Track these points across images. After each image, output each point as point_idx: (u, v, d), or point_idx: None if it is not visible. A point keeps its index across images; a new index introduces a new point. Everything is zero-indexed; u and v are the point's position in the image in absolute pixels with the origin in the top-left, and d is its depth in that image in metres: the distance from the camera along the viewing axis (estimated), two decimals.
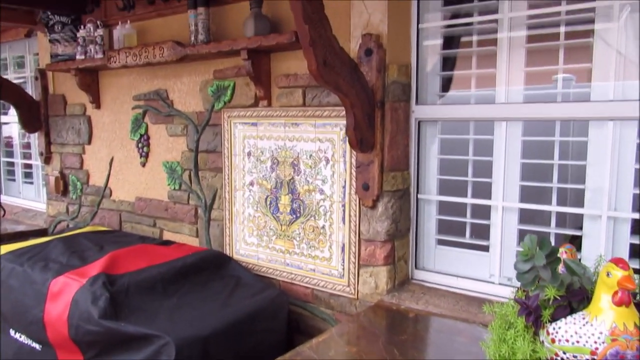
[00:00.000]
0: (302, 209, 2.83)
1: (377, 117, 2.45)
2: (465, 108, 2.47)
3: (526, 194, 2.39)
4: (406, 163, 2.59)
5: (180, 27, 3.27)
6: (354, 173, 2.59)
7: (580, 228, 2.24)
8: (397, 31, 2.47)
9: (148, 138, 3.63)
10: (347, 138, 2.48)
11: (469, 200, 2.53)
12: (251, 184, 3.05)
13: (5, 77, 4.64)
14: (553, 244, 2.24)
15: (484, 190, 2.48)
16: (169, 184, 3.52)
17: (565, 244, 1.87)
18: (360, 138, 2.38)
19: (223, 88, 3.12)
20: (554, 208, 2.30)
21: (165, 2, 3.24)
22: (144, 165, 3.69)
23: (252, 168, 3.03)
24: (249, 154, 3.04)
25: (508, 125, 2.36)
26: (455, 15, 2.50)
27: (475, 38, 2.44)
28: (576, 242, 2.28)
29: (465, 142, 2.53)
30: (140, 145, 3.67)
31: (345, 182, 2.65)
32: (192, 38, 3.03)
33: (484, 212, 2.49)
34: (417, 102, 2.57)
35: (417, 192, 2.65)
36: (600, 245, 2.15)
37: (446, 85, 2.61)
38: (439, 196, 2.61)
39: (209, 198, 3.29)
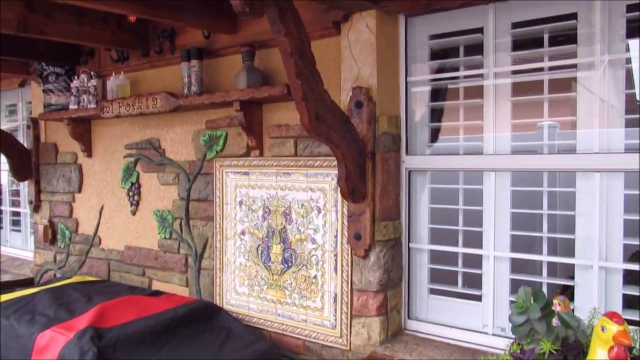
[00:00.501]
0: (293, 258, 2.82)
1: (368, 167, 2.48)
2: (454, 159, 2.51)
3: (517, 243, 2.40)
4: (397, 212, 2.60)
5: (174, 78, 3.34)
6: (345, 223, 2.59)
7: (572, 278, 2.25)
8: (386, 84, 2.54)
9: (139, 186, 3.62)
10: (338, 188, 2.51)
11: (460, 249, 2.53)
12: (242, 233, 3.04)
13: None
14: (545, 294, 2.25)
15: (475, 239, 2.50)
16: (159, 233, 3.49)
17: (559, 296, 1.88)
18: (352, 188, 2.40)
19: (215, 138, 3.15)
20: (544, 258, 2.31)
21: (158, 54, 3.31)
22: (134, 213, 3.67)
23: (244, 217, 3.03)
24: (240, 202, 3.05)
25: (497, 176, 2.40)
26: (442, 69, 2.58)
27: (462, 90, 2.51)
28: (568, 291, 2.28)
29: (455, 191, 2.57)
30: (131, 193, 3.66)
31: (337, 231, 2.65)
32: (185, 89, 3.08)
33: (475, 261, 2.49)
34: (407, 153, 2.62)
35: (409, 241, 2.65)
36: (593, 296, 2.16)
37: (435, 135, 2.66)
38: (430, 245, 2.61)
39: (200, 247, 3.27)
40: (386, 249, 2.53)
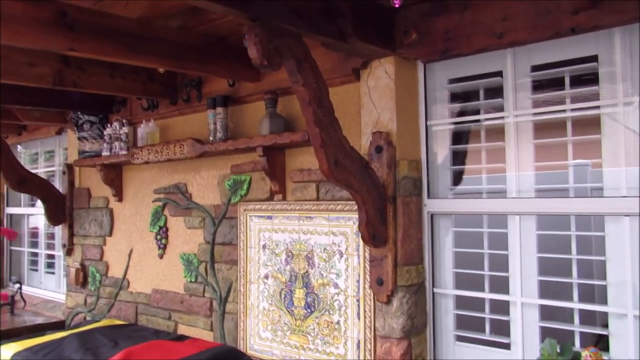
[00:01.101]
0: (316, 303, 2.79)
1: (389, 212, 2.47)
2: (477, 202, 2.48)
3: (546, 290, 2.32)
4: (420, 257, 2.56)
5: (200, 124, 3.44)
6: (367, 267, 2.57)
7: (607, 326, 2.15)
8: (406, 128, 2.55)
9: (167, 230, 3.69)
10: (359, 232, 2.50)
11: (486, 295, 2.46)
12: (266, 276, 3.04)
13: (35, 170, 4.87)
14: (578, 343, 2.15)
15: (502, 284, 2.43)
16: (185, 276, 3.53)
17: (590, 347, 1.80)
18: (373, 233, 2.38)
19: (240, 182, 3.21)
20: (576, 305, 2.22)
21: (186, 102, 3.43)
22: (161, 257, 3.72)
23: (267, 261, 3.04)
24: (264, 246, 3.06)
25: (521, 219, 2.35)
26: (462, 112, 2.58)
27: (483, 132, 2.50)
28: (603, 340, 2.18)
29: (480, 235, 2.52)
30: (159, 237, 3.73)
31: (359, 276, 2.62)
32: (211, 136, 3.17)
33: (503, 307, 2.42)
34: (429, 196, 2.60)
35: (433, 286, 2.60)
36: (628, 346, 2.05)
37: (457, 177, 2.64)
38: (455, 290, 2.55)
39: (224, 291, 3.28)
40: (409, 294, 2.48)
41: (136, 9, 2.44)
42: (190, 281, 3.49)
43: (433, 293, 2.60)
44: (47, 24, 2.11)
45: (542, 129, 2.36)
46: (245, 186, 3.17)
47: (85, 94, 3.77)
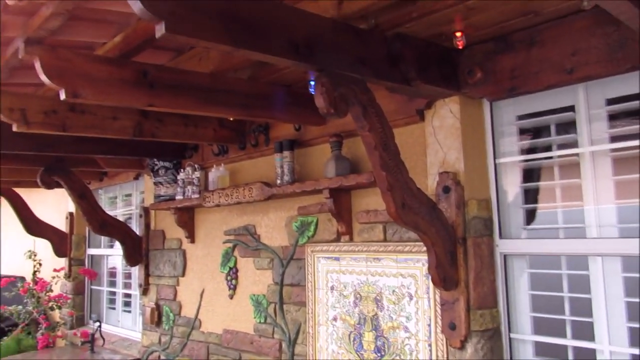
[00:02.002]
0: (386, 347, 2.74)
1: (459, 253, 2.41)
2: (553, 243, 2.37)
3: (638, 337, 2.16)
4: (494, 300, 2.47)
5: (267, 167, 3.54)
6: (439, 311, 2.50)
7: None
8: (473, 167, 2.51)
9: (237, 271, 3.78)
10: (429, 275, 2.45)
11: (569, 342, 2.32)
12: (334, 319, 3.03)
13: (114, 212, 5.18)
14: None
15: (586, 330, 2.28)
16: (255, 317, 3.58)
17: None
18: (444, 276, 2.33)
19: (307, 224, 3.25)
20: None
21: (254, 147, 3.56)
22: (232, 297, 3.81)
23: (335, 303, 3.03)
24: (332, 288, 3.06)
25: (604, 261, 2.22)
26: (532, 148, 2.51)
27: (556, 169, 2.42)
28: None
29: (558, 276, 2.40)
30: (229, 277, 3.82)
31: (430, 320, 2.56)
32: (279, 179, 3.26)
33: (588, 355, 2.26)
34: (501, 236, 2.52)
35: (509, 332, 2.48)
36: None
37: (531, 216, 2.55)
38: (534, 336, 2.42)
39: (293, 332, 3.29)
40: (484, 339, 2.39)
41: (209, 63, 2.61)
42: (260, 322, 3.53)
43: (510, 339, 2.48)
44: (130, 83, 2.29)
45: (621, 162, 2.25)
46: (312, 227, 3.21)
47: (161, 142, 4.01)
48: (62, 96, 2.12)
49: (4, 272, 7.48)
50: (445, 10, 1.93)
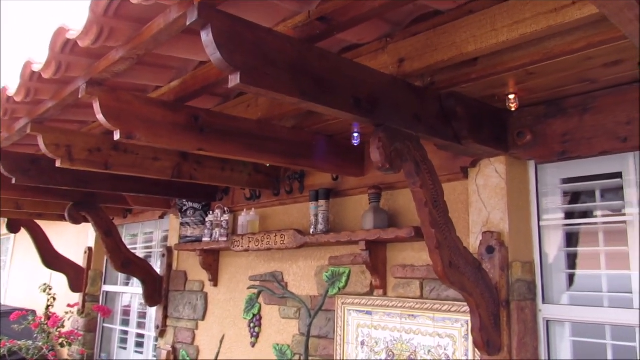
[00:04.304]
0: None
1: (502, 317, 2.35)
2: (597, 311, 2.31)
3: None
4: None
5: (299, 214, 3.53)
6: None
7: None
8: (518, 228, 2.48)
9: (260, 318, 3.71)
10: (469, 336, 2.39)
11: None
12: None
13: (133, 249, 5.15)
14: None
15: None
16: None
17: None
18: (487, 340, 2.26)
19: (338, 274, 3.20)
20: None
21: (288, 193, 3.56)
22: (253, 345, 3.71)
23: (366, 359, 2.94)
24: (362, 343, 2.98)
25: None
26: (576, 212, 2.48)
27: (601, 235, 2.38)
28: None
29: (603, 346, 2.31)
30: (252, 325, 3.74)
31: None
32: (312, 227, 3.24)
33: None
34: (543, 301, 2.46)
35: None
36: None
37: (573, 280, 2.49)
38: None
39: None
40: None
41: (257, 110, 2.65)
42: None
43: None
44: (182, 127, 2.32)
45: None
46: (344, 279, 3.16)
47: (192, 184, 4.03)
48: (117, 137, 2.15)
49: (15, 304, 7.42)
50: (505, 73, 1.96)
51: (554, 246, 2.51)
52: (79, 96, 2.17)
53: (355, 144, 2.86)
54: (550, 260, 2.51)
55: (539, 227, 2.54)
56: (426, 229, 2.08)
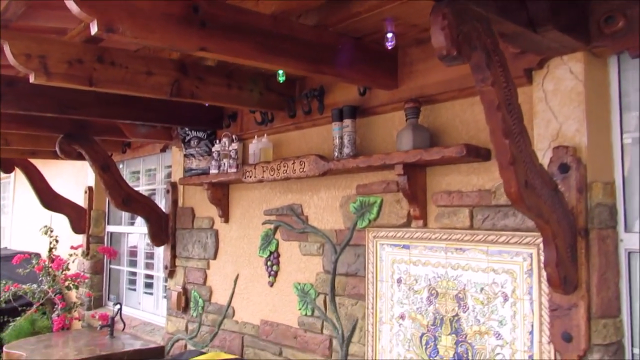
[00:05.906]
0: (470, 354, 2.29)
1: (579, 248, 1.93)
2: None
3: None
4: (618, 308, 1.99)
5: (319, 139, 3.08)
6: (546, 317, 2.03)
7: None
8: (597, 143, 2.02)
9: (278, 256, 3.34)
10: (533, 271, 1.99)
11: None
12: (401, 317, 2.58)
13: (136, 188, 4.74)
14: None
15: None
16: (299, 309, 3.14)
17: None
18: (564, 276, 1.86)
19: (368, 205, 2.78)
20: None
21: (306, 114, 3.07)
22: (272, 285, 3.37)
23: (403, 298, 2.58)
24: (398, 280, 2.61)
25: None
26: None
27: None
28: None
29: None
30: (269, 263, 3.38)
31: (532, 327, 2.09)
32: (336, 152, 2.78)
33: None
34: (625, 229, 2.03)
35: (632, 346, 2.01)
36: None
37: None
38: None
39: (347, 329, 2.85)
40: (608, 356, 1.92)
41: (270, 4, 2.12)
42: (306, 314, 3.09)
43: (632, 355, 2.01)
44: (178, 20, 1.82)
45: None
46: (375, 209, 2.74)
47: (194, 109, 3.55)
48: (94, 29, 1.65)
49: (18, 248, 7.16)
50: None
51: (635, 164, 2.06)
52: None
53: (389, 47, 2.33)
54: (632, 180, 2.06)
55: (622, 140, 2.07)
56: (497, 140, 1.62)
